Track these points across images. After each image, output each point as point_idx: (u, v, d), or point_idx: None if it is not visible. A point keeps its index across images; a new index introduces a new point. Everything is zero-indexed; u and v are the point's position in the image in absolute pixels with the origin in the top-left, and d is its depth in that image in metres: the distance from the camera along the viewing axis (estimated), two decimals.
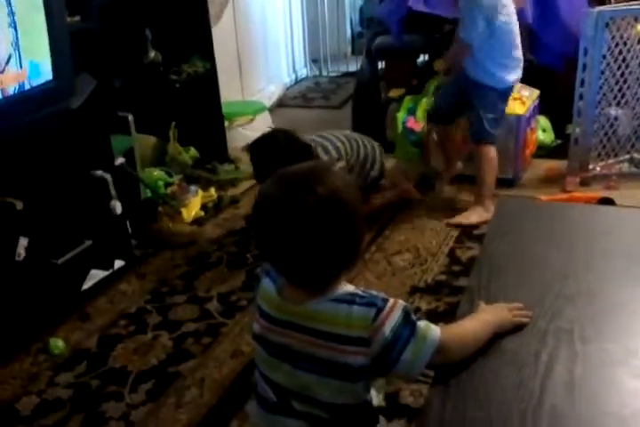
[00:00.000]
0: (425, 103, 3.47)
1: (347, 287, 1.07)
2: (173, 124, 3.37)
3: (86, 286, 2.47)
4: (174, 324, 2.33)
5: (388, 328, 1.01)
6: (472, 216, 2.89)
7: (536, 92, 3.37)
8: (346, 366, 1.04)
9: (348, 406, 1.09)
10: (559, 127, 3.61)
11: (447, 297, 2.36)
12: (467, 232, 2.84)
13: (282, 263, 1.05)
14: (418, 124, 3.47)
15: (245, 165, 3.67)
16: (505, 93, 2.85)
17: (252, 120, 4.05)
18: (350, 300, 1.03)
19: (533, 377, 1.04)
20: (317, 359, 1.05)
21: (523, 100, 3.22)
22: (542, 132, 3.59)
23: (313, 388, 1.08)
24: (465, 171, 3.23)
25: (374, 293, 1.06)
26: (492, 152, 2.87)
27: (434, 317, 2.21)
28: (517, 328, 1.15)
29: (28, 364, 2.16)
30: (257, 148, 2.49)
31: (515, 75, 2.82)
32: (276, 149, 2.36)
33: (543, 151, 3.54)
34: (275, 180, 1.05)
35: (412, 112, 3.59)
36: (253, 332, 1.14)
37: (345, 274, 1.07)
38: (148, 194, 3.04)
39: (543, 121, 3.60)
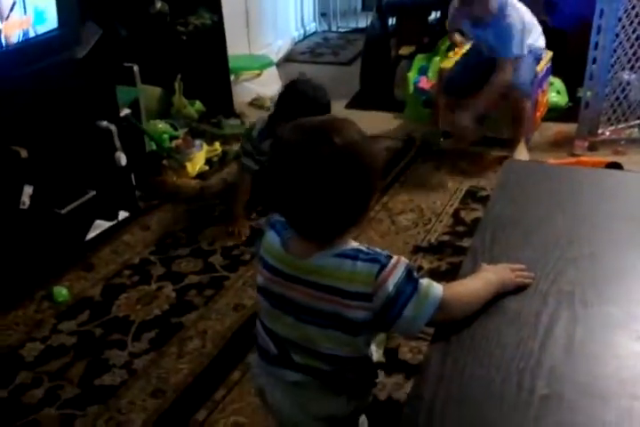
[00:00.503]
0: (437, 62, 3.42)
1: (352, 244, 1.07)
2: (179, 76, 3.33)
3: (90, 236, 2.49)
4: (178, 276, 2.35)
5: (390, 284, 1.02)
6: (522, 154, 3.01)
7: (549, 54, 3.32)
8: (347, 319, 1.05)
9: (348, 359, 1.11)
10: (570, 90, 3.57)
11: (450, 257, 2.38)
12: (471, 194, 2.83)
13: (291, 213, 1.04)
14: (429, 83, 3.43)
15: (250, 119, 3.66)
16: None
17: (258, 75, 4.00)
18: (354, 255, 1.04)
19: (533, 338, 1.05)
20: (320, 312, 1.06)
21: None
22: (556, 93, 3.55)
23: (315, 340, 1.09)
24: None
25: (378, 250, 1.06)
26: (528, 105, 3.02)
27: (436, 276, 2.22)
28: (519, 289, 1.16)
29: (32, 311, 2.19)
30: (288, 90, 2.44)
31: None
32: (305, 98, 2.32)
33: (554, 114, 3.50)
34: (294, 127, 1.04)
35: (423, 72, 3.54)
36: (257, 284, 1.15)
37: (352, 230, 1.07)
38: (153, 147, 3.02)
39: (557, 83, 3.55)
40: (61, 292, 2.24)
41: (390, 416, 1.66)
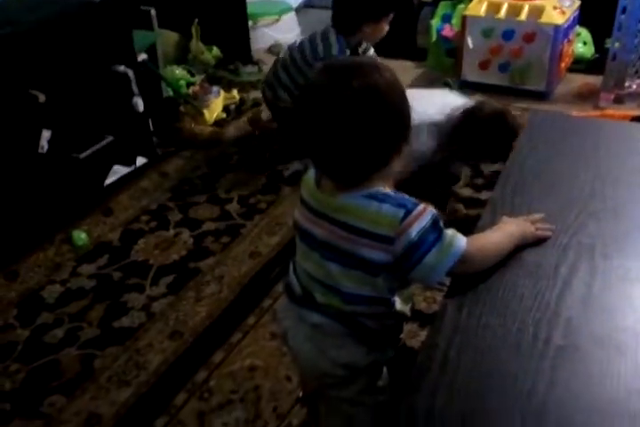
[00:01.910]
0: (461, 9, 3.33)
1: (382, 188, 1.06)
2: (196, 21, 3.26)
3: (109, 181, 2.49)
4: (195, 222, 2.37)
5: (414, 230, 1.01)
6: None
7: (577, 3, 3.21)
8: (366, 260, 1.05)
9: (368, 299, 1.11)
10: (598, 41, 3.46)
11: (468, 209, 2.37)
12: None
13: (315, 155, 1.05)
14: (453, 31, 3.35)
15: (268, 66, 3.61)
16: None
17: (277, 20, 3.91)
18: (382, 198, 1.03)
19: (551, 289, 1.05)
20: (340, 251, 1.07)
21: (562, 10, 3.07)
22: (583, 44, 3.45)
23: (336, 277, 1.10)
24: None
25: (406, 196, 1.06)
26: None
27: (453, 227, 2.22)
28: (539, 241, 1.16)
29: (52, 254, 2.22)
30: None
31: None
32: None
33: (580, 66, 3.42)
34: (321, 67, 1.04)
35: (447, 19, 3.45)
36: (294, 217, 1.16)
37: (381, 175, 1.06)
38: (170, 93, 2.99)
39: (584, 33, 3.45)
40: (80, 236, 2.27)
41: (404, 363, 1.68)
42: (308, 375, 1.31)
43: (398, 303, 1.15)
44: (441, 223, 1.05)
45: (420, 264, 1.03)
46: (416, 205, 1.03)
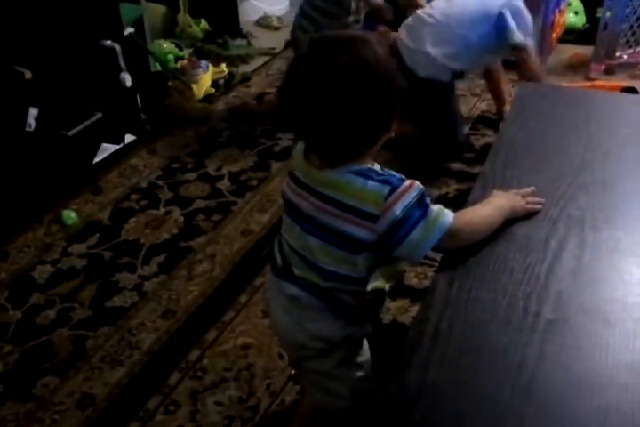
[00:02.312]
0: None
1: (369, 164, 1.05)
2: None
3: (98, 159, 2.47)
4: (185, 200, 2.35)
5: (399, 207, 1.00)
6: None
7: None
8: (348, 236, 1.04)
9: (344, 278, 1.10)
10: (589, 11, 3.43)
11: (458, 184, 2.36)
12: (483, 119, 2.78)
13: (302, 129, 1.03)
14: None
15: (257, 40, 3.56)
16: None
17: None
18: (367, 174, 1.02)
19: (541, 262, 1.05)
20: (322, 226, 1.06)
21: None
22: (574, 14, 3.42)
23: (315, 252, 1.09)
24: None
25: (393, 172, 1.05)
26: None
27: (443, 202, 2.22)
28: (529, 215, 1.15)
29: (41, 234, 2.21)
30: None
31: None
32: None
33: (571, 36, 3.38)
34: (311, 41, 1.02)
35: None
36: (282, 189, 1.16)
37: (370, 153, 1.05)
38: (158, 68, 2.96)
39: (576, 3, 3.42)
40: (70, 215, 2.25)
41: (395, 339, 1.69)
42: (287, 347, 1.31)
43: (378, 281, 1.14)
44: (427, 199, 1.03)
45: (405, 241, 1.02)
46: (402, 181, 1.02)
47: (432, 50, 2.32)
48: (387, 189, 1.00)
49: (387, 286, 1.17)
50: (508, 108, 2.74)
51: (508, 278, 1.02)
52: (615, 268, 1.05)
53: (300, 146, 1.12)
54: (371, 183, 1.01)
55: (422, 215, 1.02)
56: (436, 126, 2.44)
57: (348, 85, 0.95)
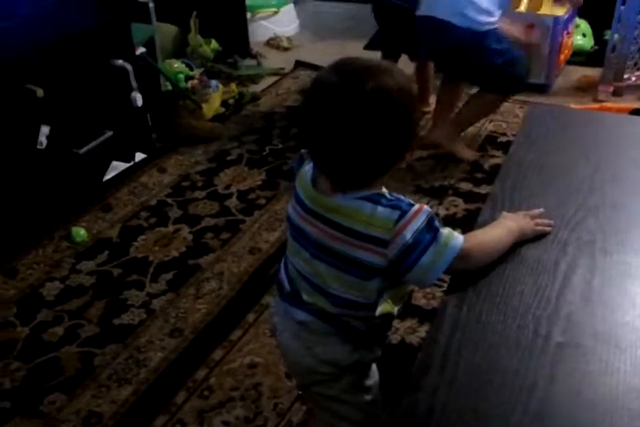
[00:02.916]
0: None
1: (377, 189, 1.05)
2: (195, 13, 3.25)
3: (108, 177, 2.49)
4: (194, 218, 2.36)
5: (409, 232, 1.00)
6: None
7: None
8: (359, 262, 1.04)
9: (354, 303, 1.10)
10: (597, 33, 3.45)
11: (466, 204, 2.36)
12: (491, 140, 2.79)
13: (318, 156, 1.03)
14: None
15: (267, 60, 3.60)
16: None
17: (275, 13, 3.91)
18: (376, 200, 1.02)
19: (551, 285, 1.04)
20: (332, 252, 1.06)
21: (562, 2, 3.06)
22: (582, 36, 3.44)
23: (325, 278, 1.09)
24: None
25: (402, 197, 1.05)
26: None
27: (451, 223, 2.23)
28: (538, 237, 1.15)
29: (50, 251, 2.21)
30: None
31: None
32: None
33: (579, 58, 3.40)
34: (334, 66, 1.02)
35: None
36: (287, 212, 1.15)
37: (380, 181, 1.05)
38: (169, 87, 2.98)
39: (584, 25, 3.44)
40: (79, 232, 2.26)
41: (403, 360, 1.68)
42: (295, 372, 1.30)
43: (387, 305, 1.14)
44: (436, 222, 1.03)
45: (417, 266, 1.01)
46: (411, 205, 1.02)
47: None
48: (396, 213, 1.00)
49: (395, 310, 1.16)
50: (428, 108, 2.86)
51: (518, 301, 1.02)
52: (626, 292, 1.05)
53: (305, 170, 1.11)
54: (380, 209, 1.01)
55: (432, 239, 1.01)
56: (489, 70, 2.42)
57: (369, 113, 0.95)
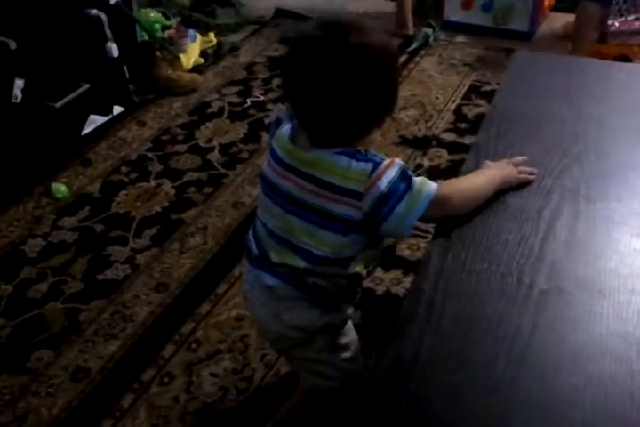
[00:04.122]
0: None
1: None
2: None
3: (86, 131, 2.44)
4: (176, 172, 2.33)
5: (384, 183, 1.00)
6: None
7: None
8: (335, 215, 1.04)
9: (326, 260, 1.09)
10: None
11: (450, 155, 2.35)
12: (475, 89, 2.76)
13: (299, 106, 1.04)
14: None
15: (246, 8, 3.50)
16: None
17: None
18: (352, 154, 1.02)
19: (535, 233, 1.04)
20: (307, 206, 1.06)
21: None
22: None
23: (296, 232, 1.09)
24: None
25: (376, 153, 1.05)
26: None
27: (436, 173, 2.22)
28: (522, 185, 1.15)
29: (31, 207, 2.19)
30: None
31: None
32: None
33: (564, 4, 3.34)
34: (318, 20, 1.01)
35: None
36: (261, 170, 1.14)
37: (359, 143, 1.05)
38: (145, 37, 2.90)
39: None
40: (60, 188, 2.23)
41: (388, 310, 1.70)
42: (268, 338, 1.31)
43: (357, 266, 1.13)
44: (409, 172, 1.03)
45: (392, 215, 1.01)
46: (384, 159, 1.02)
47: None
48: (370, 165, 1.00)
49: (364, 272, 1.16)
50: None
51: (501, 249, 1.02)
52: (609, 238, 1.05)
53: (283, 128, 1.10)
54: (354, 162, 1.01)
55: (407, 188, 1.01)
56: None
57: (352, 67, 0.96)
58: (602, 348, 0.86)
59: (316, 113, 1.01)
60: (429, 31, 3.15)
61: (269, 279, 1.13)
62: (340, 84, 0.96)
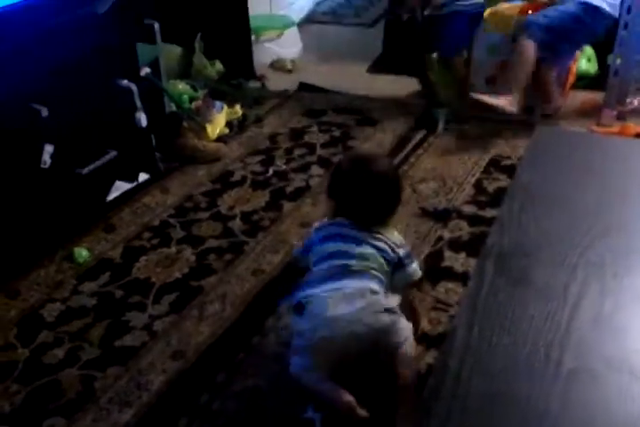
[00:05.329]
0: None
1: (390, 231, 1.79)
2: (199, 35, 3.27)
3: (111, 197, 2.48)
4: (197, 239, 2.35)
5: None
6: (498, 100, 2.91)
7: None
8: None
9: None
10: (600, 57, 3.47)
11: (471, 227, 2.35)
12: (495, 163, 2.79)
13: (353, 211, 1.75)
14: None
15: (271, 82, 3.62)
16: None
17: (279, 35, 3.93)
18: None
19: (562, 310, 1.03)
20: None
21: None
22: (587, 61, 3.46)
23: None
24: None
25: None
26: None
27: (456, 245, 2.22)
28: (547, 260, 1.14)
29: (52, 271, 2.20)
30: None
31: None
32: None
33: (583, 82, 3.42)
34: (348, 157, 1.93)
35: None
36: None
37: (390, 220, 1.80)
38: (173, 108, 2.99)
39: (588, 50, 3.46)
40: (82, 253, 2.25)
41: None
42: (353, 347, 1.59)
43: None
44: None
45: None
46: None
47: None
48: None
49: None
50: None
51: (528, 325, 1.01)
52: (637, 315, 1.03)
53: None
54: None
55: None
56: None
57: (379, 184, 1.73)
58: None
59: (362, 208, 1.74)
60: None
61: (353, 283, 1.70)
62: (374, 192, 1.73)
